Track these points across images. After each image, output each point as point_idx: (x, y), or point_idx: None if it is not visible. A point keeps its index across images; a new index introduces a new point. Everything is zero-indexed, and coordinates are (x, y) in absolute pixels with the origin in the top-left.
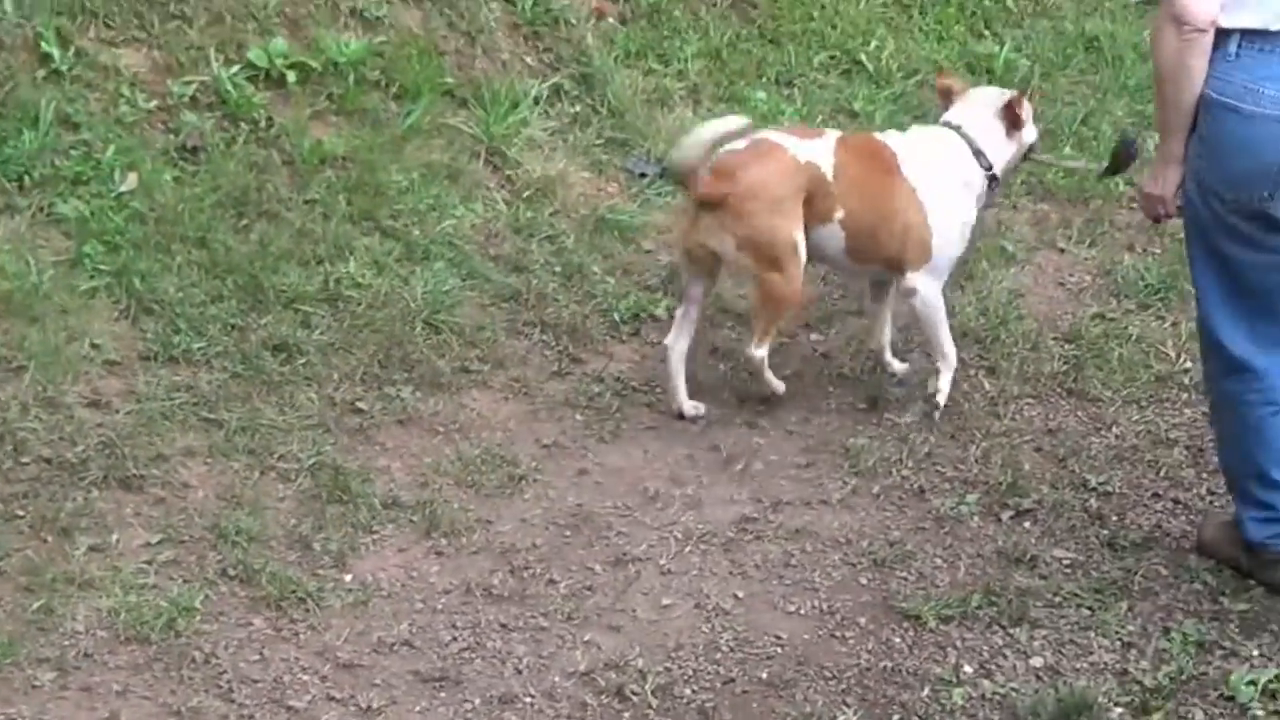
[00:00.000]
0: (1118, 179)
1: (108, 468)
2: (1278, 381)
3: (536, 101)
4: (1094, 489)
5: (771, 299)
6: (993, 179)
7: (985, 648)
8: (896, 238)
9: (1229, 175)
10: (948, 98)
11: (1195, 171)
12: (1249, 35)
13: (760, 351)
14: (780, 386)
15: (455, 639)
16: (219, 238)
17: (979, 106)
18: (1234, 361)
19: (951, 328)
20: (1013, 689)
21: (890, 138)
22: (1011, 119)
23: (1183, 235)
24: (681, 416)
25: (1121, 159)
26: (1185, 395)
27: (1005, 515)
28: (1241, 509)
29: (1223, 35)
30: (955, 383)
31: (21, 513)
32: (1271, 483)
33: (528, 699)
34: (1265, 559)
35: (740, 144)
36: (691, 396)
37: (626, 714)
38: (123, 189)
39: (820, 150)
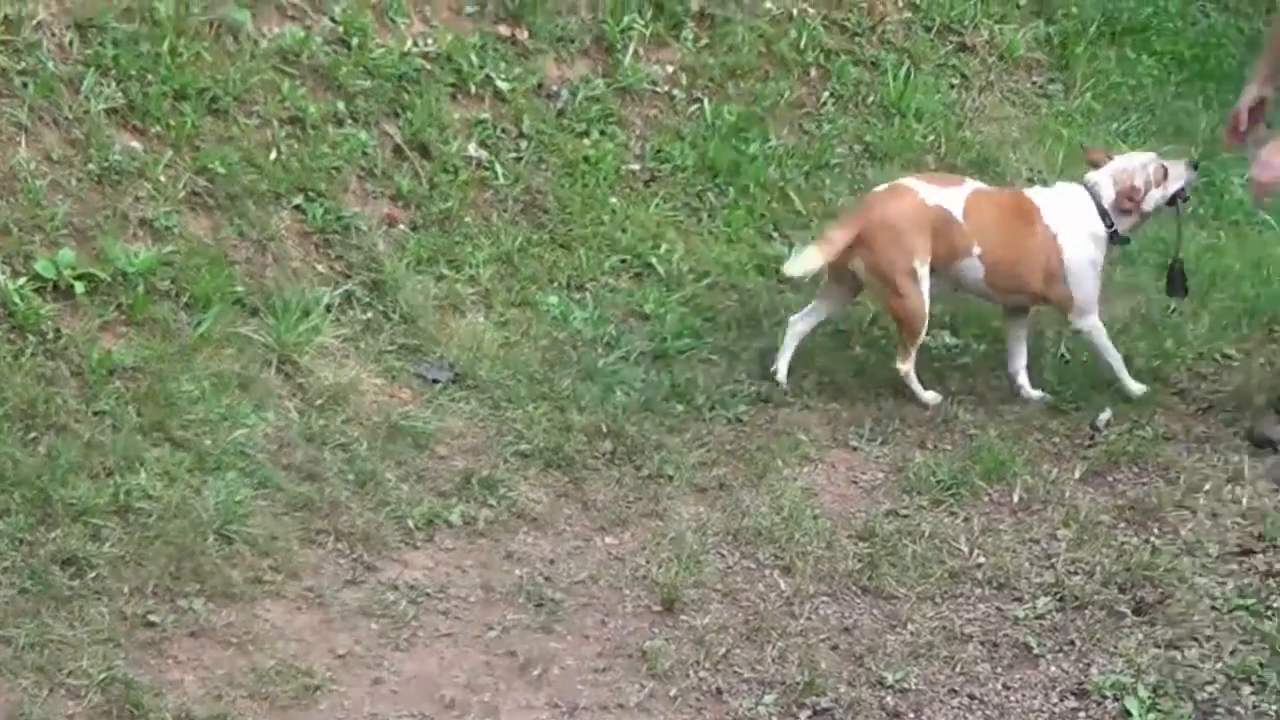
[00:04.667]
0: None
1: None
2: None
3: (328, 309)
4: (890, 686)
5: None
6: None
7: None
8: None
9: None
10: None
11: None
12: None
13: (905, 366)
14: (931, 398)
15: None
16: (6, 450)
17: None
18: None
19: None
20: None
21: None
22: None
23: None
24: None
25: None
26: (979, 590)
27: (803, 715)
28: None
29: None
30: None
31: None
32: None
33: None
34: None
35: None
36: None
37: None
38: None
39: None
